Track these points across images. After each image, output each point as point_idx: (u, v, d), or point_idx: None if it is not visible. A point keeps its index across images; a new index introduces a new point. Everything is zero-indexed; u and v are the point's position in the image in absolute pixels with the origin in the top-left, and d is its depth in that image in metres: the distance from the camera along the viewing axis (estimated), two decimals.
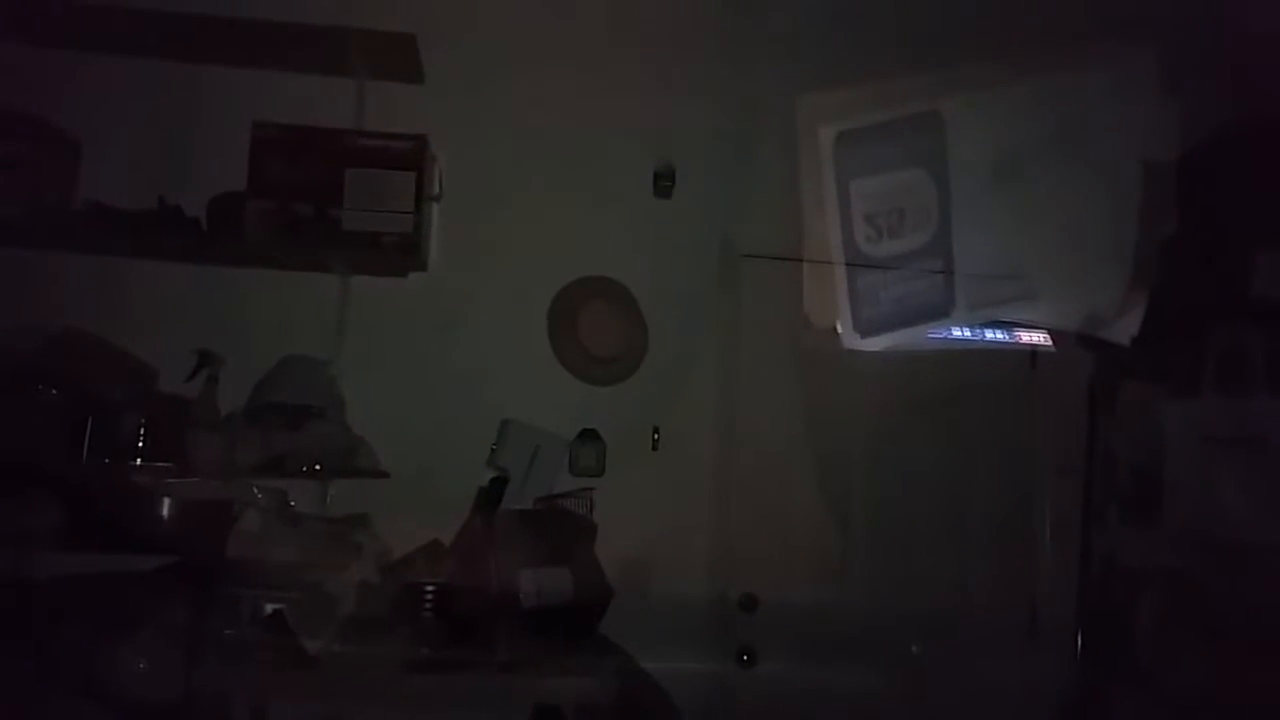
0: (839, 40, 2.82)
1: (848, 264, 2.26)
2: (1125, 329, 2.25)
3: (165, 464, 2.52)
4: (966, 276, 2.05)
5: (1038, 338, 2.73)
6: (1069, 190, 2.15)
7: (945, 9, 2.72)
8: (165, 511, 2.53)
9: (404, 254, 2.66)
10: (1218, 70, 2.40)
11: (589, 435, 2.87)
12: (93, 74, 2.71)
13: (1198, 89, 2.32)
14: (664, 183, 2.94)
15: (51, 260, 2.65)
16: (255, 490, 2.57)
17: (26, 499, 2.38)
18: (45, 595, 2.38)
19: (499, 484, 2.78)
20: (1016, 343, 2.71)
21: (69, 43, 2.69)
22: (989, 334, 2.59)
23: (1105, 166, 2.20)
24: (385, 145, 2.67)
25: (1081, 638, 2.87)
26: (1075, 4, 2.54)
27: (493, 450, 2.82)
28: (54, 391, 2.48)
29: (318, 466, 2.62)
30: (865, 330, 2.04)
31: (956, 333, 2.40)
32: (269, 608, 2.46)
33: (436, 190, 2.79)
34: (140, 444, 2.52)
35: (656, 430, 2.89)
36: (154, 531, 2.50)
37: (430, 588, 2.57)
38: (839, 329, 2.03)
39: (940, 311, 2.06)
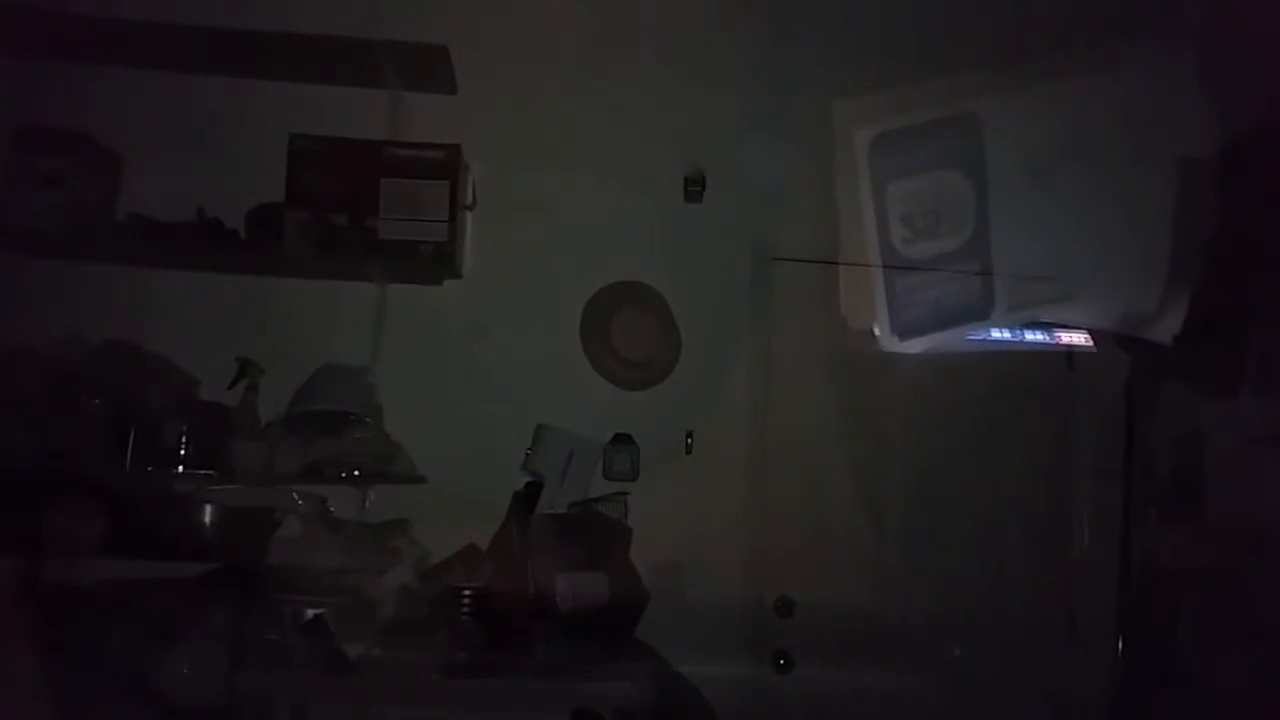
0: (873, 42, 2.77)
1: (880, 265, 2.20)
2: (1167, 328, 2.18)
3: (207, 471, 2.52)
4: (1005, 277, 1.99)
5: (1077, 338, 2.66)
6: (1107, 189, 2.08)
7: (980, 10, 2.65)
8: (207, 518, 2.52)
9: (439, 262, 2.65)
10: (1257, 66, 2.32)
11: (623, 439, 2.83)
12: (132, 89, 2.70)
13: (1236, 85, 2.24)
14: (694, 187, 2.90)
15: (95, 272, 2.66)
16: (296, 497, 2.56)
17: (72, 507, 2.38)
18: (91, 601, 2.38)
19: (534, 488, 2.75)
20: (1056, 344, 2.63)
21: (108, 59, 2.69)
22: (1028, 335, 2.52)
23: (1143, 165, 2.13)
24: (419, 155, 2.65)
25: (1122, 640, 2.79)
26: (1112, 3, 2.47)
27: (527, 455, 2.78)
28: (98, 401, 2.48)
29: (356, 472, 2.61)
30: (903, 332, 1.98)
31: (995, 334, 2.34)
32: (310, 613, 2.45)
33: (470, 199, 2.77)
34: (182, 452, 2.51)
35: (690, 434, 2.85)
36: (197, 538, 2.49)
37: (468, 592, 2.54)
38: (876, 331, 1.98)
39: (979, 313, 2.00)
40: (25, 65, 2.64)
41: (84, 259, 2.65)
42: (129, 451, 2.47)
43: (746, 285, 2.89)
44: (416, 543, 2.64)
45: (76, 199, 2.54)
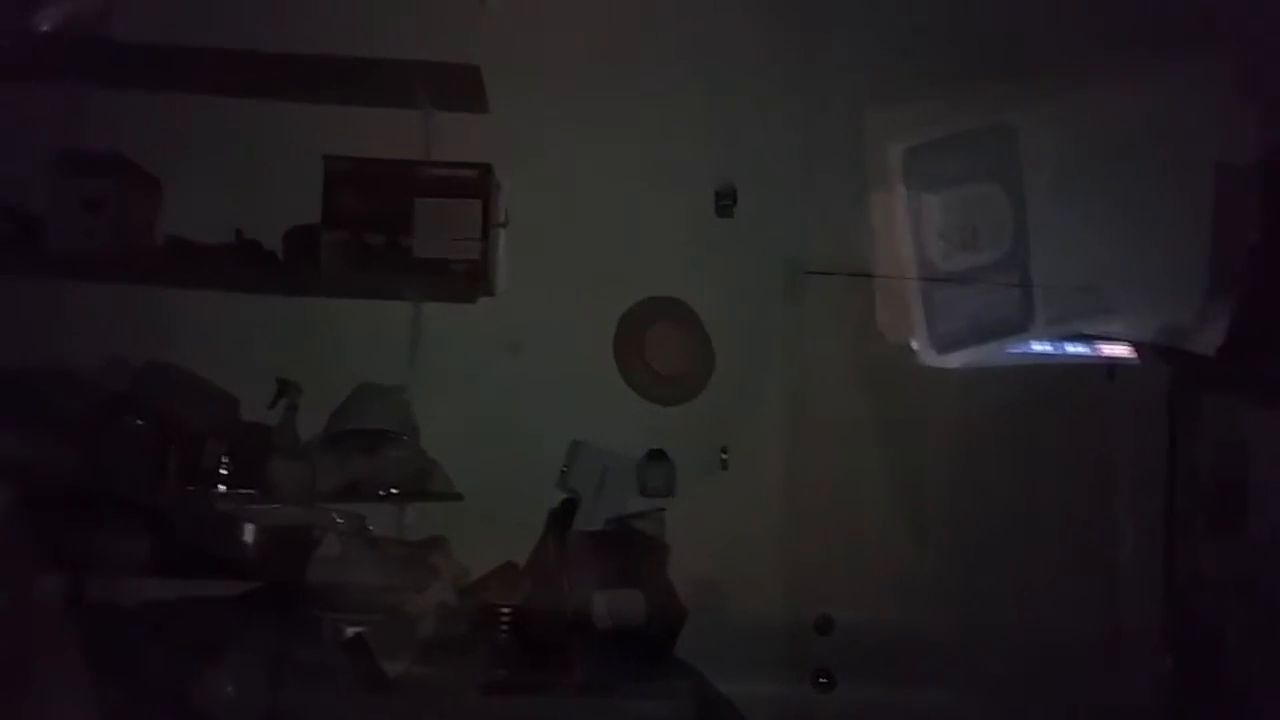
0: (907, 54, 2.74)
1: (914, 278, 2.17)
2: (1209, 339, 2.14)
3: (248, 491, 2.52)
4: (1044, 290, 1.96)
5: (1119, 350, 2.61)
6: (1146, 199, 2.05)
7: (1013, 21, 2.63)
8: (248, 537, 2.53)
9: (472, 280, 2.65)
10: None
11: (657, 455, 2.81)
12: (171, 113, 2.73)
13: (1277, 90, 2.20)
14: (725, 202, 2.88)
15: (135, 294, 2.67)
16: (335, 515, 2.56)
17: (115, 527, 2.39)
18: (134, 621, 2.39)
19: (570, 505, 2.74)
20: (1098, 356, 2.59)
21: (147, 84, 2.71)
22: (1069, 348, 2.48)
23: (1183, 173, 2.10)
24: (452, 174, 2.66)
25: (1167, 654, 2.73)
26: (1146, 9, 2.44)
27: (563, 472, 2.77)
28: (139, 422, 2.49)
29: (394, 490, 2.61)
30: (942, 346, 1.95)
31: (1036, 347, 2.31)
32: (350, 630, 2.44)
33: (503, 217, 2.76)
34: (223, 471, 2.53)
35: (725, 449, 2.83)
36: (238, 557, 2.50)
37: (506, 610, 2.53)
38: (914, 345, 1.95)
39: (1018, 326, 1.97)
40: (66, 91, 2.67)
41: (125, 281, 2.67)
42: (170, 471, 2.49)
43: (779, 299, 2.87)
44: (454, 560, 2.63)
45: (117, 222, 2.56)
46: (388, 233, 2.61)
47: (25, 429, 2.40)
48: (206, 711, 2.27)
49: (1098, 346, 2.57)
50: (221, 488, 2.51)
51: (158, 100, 2.72)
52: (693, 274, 2.89)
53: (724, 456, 2.82)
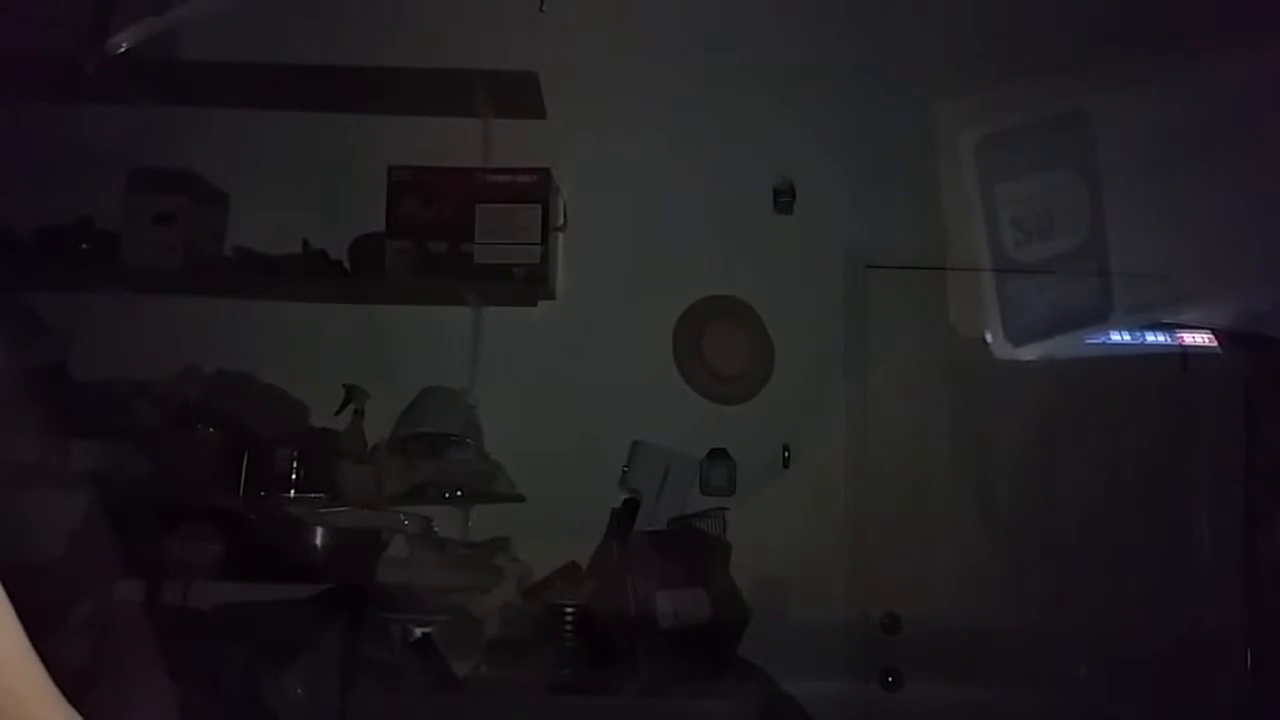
0: (975, 43, 2.58)
1: (978, 270, 2.01)
2: None
3: (317, 495, 2.46)
4: (1123, 278, 1.78)
5: (1199, 338, 2.41)
6: (1227, 183, 1.86)
7: (1088, 4, 2.44)
8: (318, 540, 2.45)
9: (533, 284, 2.57)
10: None
11: (719, 454, 2.67)
12: (237, 128, 2.68)
13: None
14: (784, 198, 2.74)
15: (207, 305, 2.63)
16: (402, 517, 2.48)
17: (190, 533, 2.34)
18: (208, 623, 2.32)
19: (631, 505, 2.61)
20: (1177, 345, 2.38)
21: (214, 101, 2.67)
22: (1149, 337, 2.29)
23: (1265, 156, 1.91)
24: (511, 180, 2.58)
25: (1250, 653, 2.52)
26: None
27: (624, 472, 2.64)
28: (212, 430, 2.44)
29: (459, 492, 2.53)
30: (1018, 339, 1.78)
31: (1115, 337, 2.12)
32: (418, 631, 2.35)
33: (562, 220, 2.67)
34: (293, 476, 2.46)
35: (787, 448, 2.68)
36: (308, 560, 2.43)
37: (570, 610, 2.42)
38: (989, 338, 1.78)
39: (1097, 315, 1.79)
40: (137, 110, 2.62)
41: (196, 292, 2.63)
42: (243, 477, 2.43)
43: (840, 294, 2.72)
44: (518, 561, 2.54)
45: (188, 235, 2.52)
46: (450, 239, 2.54)
47: (102, 438, 2.35)
48: (278, 712, 2.19)
49: (1176, 335, 2.37)
50: (292, 492, 2.44)
51: (225, 116, 2.68)
52: (751, 272, 2.75)
53: (786, 455, 2.67)
